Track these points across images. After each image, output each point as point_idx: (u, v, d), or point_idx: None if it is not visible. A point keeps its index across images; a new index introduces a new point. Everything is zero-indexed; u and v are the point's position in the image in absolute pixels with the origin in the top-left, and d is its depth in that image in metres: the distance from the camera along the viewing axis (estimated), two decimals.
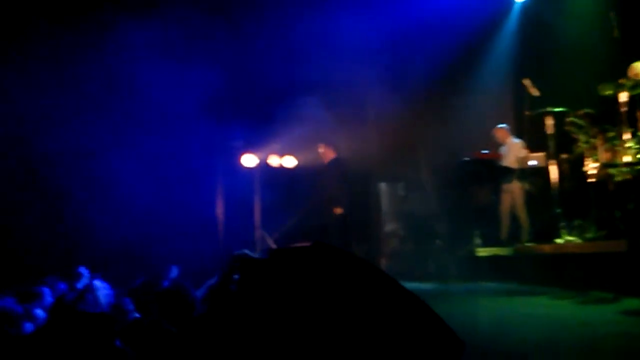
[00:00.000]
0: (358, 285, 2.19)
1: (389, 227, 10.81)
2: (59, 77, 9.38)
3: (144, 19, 9.38)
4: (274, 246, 9.66)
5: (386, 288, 2.21)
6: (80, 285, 5.09)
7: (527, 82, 8.03)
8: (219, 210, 10.52)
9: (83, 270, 5.51)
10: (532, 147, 8.44)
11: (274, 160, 10.55)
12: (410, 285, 7.91)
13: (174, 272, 6.48)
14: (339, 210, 9.16)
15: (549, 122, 7.55)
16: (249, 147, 10.43)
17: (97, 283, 4.38)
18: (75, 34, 9.38)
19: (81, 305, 4.02)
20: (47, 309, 4.30)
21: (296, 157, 10.66)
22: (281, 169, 10.63)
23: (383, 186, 11.01)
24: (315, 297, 2.27)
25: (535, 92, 7.99)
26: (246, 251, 5.48)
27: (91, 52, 9.40)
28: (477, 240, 8.49)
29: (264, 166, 10.48)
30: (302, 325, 2.20)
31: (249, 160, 10.32)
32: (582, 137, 7.10)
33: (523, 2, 10.02)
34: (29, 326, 4.01)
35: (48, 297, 4.52)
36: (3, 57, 9.15)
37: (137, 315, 4.01)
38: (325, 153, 9.56)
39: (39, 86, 9.23)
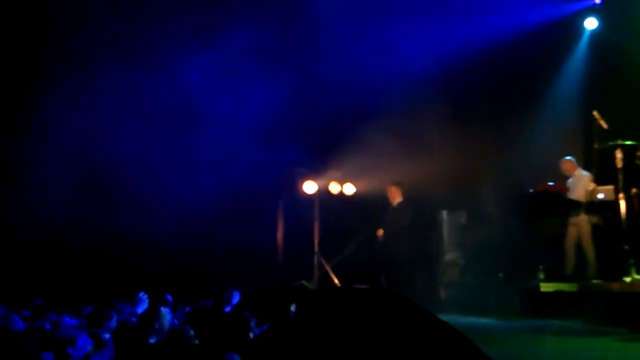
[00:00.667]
0: (410, 332, 2.21)
1: (450, 256, 10.65)
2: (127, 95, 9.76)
3: (210, 42, 9.72)
4: (331, 273, 9.71)
5: (440, 336, 2.20)
6: (139, 310, 5.22)
7: (596, 114, 7.82)
8: (279, 235, 10.66)
9: (143, 295, 5.64)
10: (601, 180, 8.18)
11: (334, 187, 10.62)
12: (469, 319, 7.81)
13: (236, 297, 6.59)
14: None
15: (619, 155, 7.30)
16: (311, 174, 10.54)
17: (162, 310, 4.51)
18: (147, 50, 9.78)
19: (145, 333, 4.16)
20: (111, 332, 4.46)
21: (356, 184, 10.71)
22: (341, 196, 10.69)
23: (444, 215, 10.88)
24: (367, 341, 2.30)
25: (604, 124, 7.76)
26: (304, 282, 5.55)
27: (160, 71, 9.73)
28: (541, 275, 8.25)
29: (324, 193, 10.57)
30: None
31: (309, 186, 10.43)
32: None
33: (594, 30, 9.81)
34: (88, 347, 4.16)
35: (114, 321, 4.68)
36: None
37: (196, 341, 4.11)
38: (394, 193, 9.75)
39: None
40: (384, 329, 2.33)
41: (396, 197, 9.71)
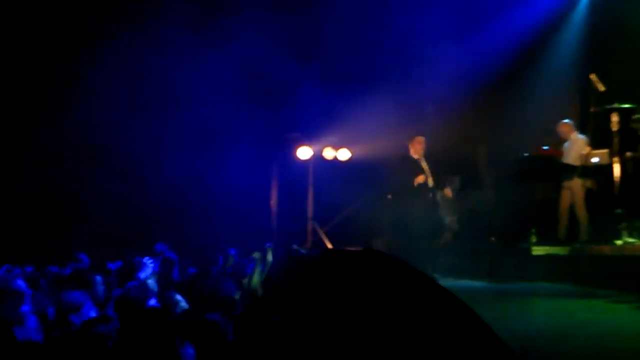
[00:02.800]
0: (405, 294, 2.18)
1: (444, 220, 10.68)
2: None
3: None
4: (325, 239, 9.74)
5: (434, 298, 2.18)
6: (143, 275, 5.20)
7: (593, 77, 7.74)
8: (273, 201, 10.65)
9: (147, 259, 5.59)
10: (596, 144, 8.14)
11: (329, 153, 10.57)
12: (462, 283, 7.85)
13: (231, 255, 6.66)
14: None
15: (615, 119, 7.27)
16: (305, 139, 10.48)
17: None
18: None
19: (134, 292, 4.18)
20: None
21: (351, 150, 10.65)
22: (336, 161, 10.65)
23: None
24: (361, 303, 2.27)
25: (601, 87, 7.69)
26: (295, 247, 5.57)
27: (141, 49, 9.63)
28: (534, 238, 8.29)
29: (318, 158, 10.53)
30: (344, 330, 2.21)
31: (304, 152, 10.38)
32: None
33: None
34: (92, 313, 4.18)
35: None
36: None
37: (185, 306, 4.12)
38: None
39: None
40: (378, 290, 2.30)
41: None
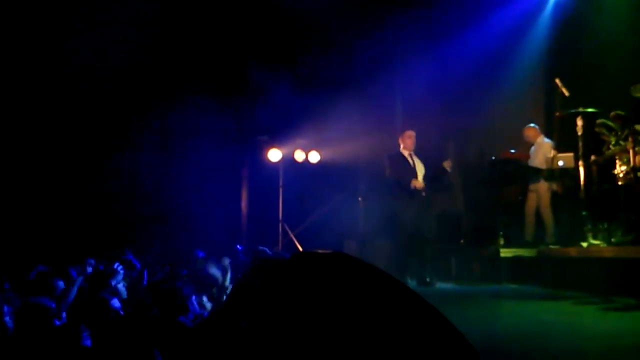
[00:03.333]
0: (373, 297, 2.18)
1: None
2: None
3: None
4: (296, 241, 9.72)
5: (402, 301, 2.19)
6: (114, 282, 5.11)
7: (558, 81, 7.88)
8: (243, 203, 10.60)
9: (117, 266, 5.49)
10: (562, 147, 8.29)
11: (299, 155, 10.56)
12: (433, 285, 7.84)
13: (200, 258, 6.62)
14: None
15: (580, 122, 7.39)
16: (275, 142, 10.46)
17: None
18: None
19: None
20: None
21: (321, 152, 10.66)
22: (306, 163, 10.65)
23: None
24: (329, 306, 2.27)
25: (566, 92, 7.83)
26: (264, 249, 5.53)
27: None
28: (501, 241, 8.40)
29: (289, 161, 10.51)
30: (312, 333, 2.20)
31: (274, 154, 10.36)
32: (612, 139, 6.97)
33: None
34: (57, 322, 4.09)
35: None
36: None
37: (155, 311, 4.07)
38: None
39: None
40: (346, 293, 2.30)
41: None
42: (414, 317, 2.20)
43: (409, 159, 8.26)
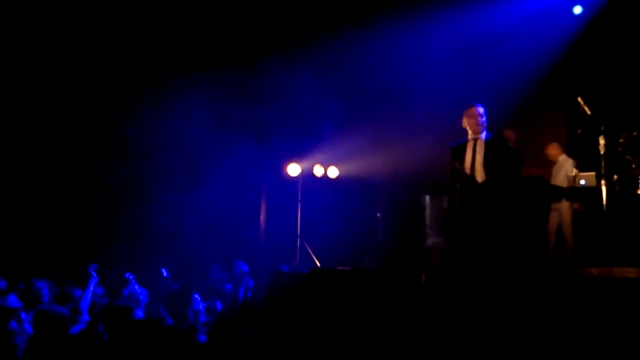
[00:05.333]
0: (390, 314, 2.19)
1: (431, 240, 10.66)
2: None
3: None
4: (313, 257, 9.70)
5: (417, 315, 2.20)
6: (126, 291, 5.18)
7: (580, 99, 7.81)
8: (262, 217, 10.62)
9: (129, 275, 5.56)
10: (584, 166, 8.21)
11: (318, 170, 10.58)
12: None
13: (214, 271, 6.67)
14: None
15: (602, 141, 7.31)
16: (294, 157, 10.49)
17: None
18: None
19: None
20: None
21: (340, 168, 10.67)
22: (325, 178, 10.66)
23: (427, 199, 10.86)
24: (347, 321, 2.28)
25: (588, 110, 7.76)
26: (283, 267, 5.54)
27: None
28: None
29: (308, 175, 10.53)
30: (327, 348, 2.22)
31: (293, 169, 10.38)
32: (635, 159, 6.89)
33: (580, 15, 9.78)
34: (75, 329, 4.14)
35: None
36: None
37: (170, 321, 4.10)
38: None
39: None
40: (364, 310, 2.32)
41: None
42: (430, 332, 2.20)
43: (469, 147, 6.41)
